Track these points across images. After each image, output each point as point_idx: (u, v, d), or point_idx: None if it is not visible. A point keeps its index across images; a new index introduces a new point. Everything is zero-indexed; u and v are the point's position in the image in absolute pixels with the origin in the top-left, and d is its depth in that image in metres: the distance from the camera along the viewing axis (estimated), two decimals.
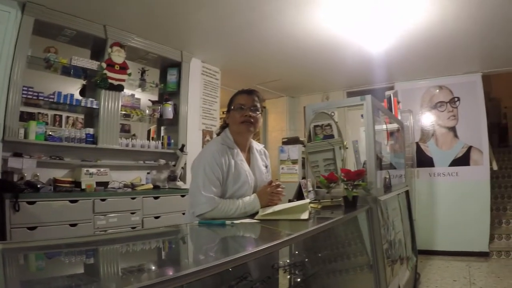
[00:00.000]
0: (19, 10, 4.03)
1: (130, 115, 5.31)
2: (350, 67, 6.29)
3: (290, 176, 5.59)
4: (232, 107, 2.34)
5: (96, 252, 1.50)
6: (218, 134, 2.48)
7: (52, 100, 4.37)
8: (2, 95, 3.92)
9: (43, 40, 4.48)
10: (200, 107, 6.13)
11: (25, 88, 4.14)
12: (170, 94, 5.74)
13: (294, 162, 5.70)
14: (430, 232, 6.43)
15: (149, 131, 6.31)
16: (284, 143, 5.95)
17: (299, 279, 2.55)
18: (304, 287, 2.61)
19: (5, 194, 3.61)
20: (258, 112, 2.33)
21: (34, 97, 4.24)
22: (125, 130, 5.66)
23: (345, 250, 2.91)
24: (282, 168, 5.76)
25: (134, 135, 6.09)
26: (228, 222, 1.86)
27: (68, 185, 4.34)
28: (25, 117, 4.44)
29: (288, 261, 2.57)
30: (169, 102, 5.62)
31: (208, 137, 6.13)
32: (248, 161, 2.40)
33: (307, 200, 2.31)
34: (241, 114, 2.28)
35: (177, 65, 5.73)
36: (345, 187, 2.62)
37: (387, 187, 3.45)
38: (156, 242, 1.83)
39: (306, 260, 2.70)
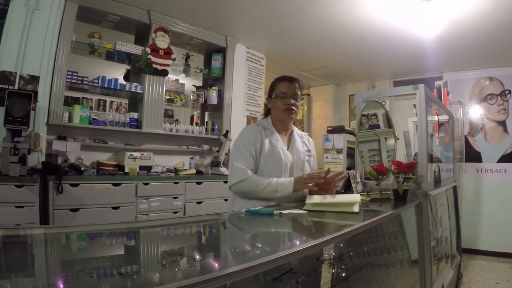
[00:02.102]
0: None
1: (174, 100, 5.18)
2: (398, 54, 5.83)
3: (335, 165, 5.26)
4: (275, 95, 2.34)
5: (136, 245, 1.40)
6: (263, 116, 2.52)
7: (96, 84, 4.29)
8: (47, 79, 3.87)
9: (87, 26, 4.40)
10: (244, 93, 5.92)
11: (70, 73, 4.07)
12: (214, 79, 5.55)
13: (339, 151, 5.38)
14: (474, 231, 5.88)
15: (192, 117, 6.15)
16: (329, 131, 5.63)
17: (343, 274, 2.38)
18: (346, 281, 2.43)
19: (49, 176, 3.55)
20: (298, 99, 2.34)
21: (79, 82, 4.17)
22: (168, 115, 5.52)
23: (385, 243, 2.68)
24: (327, 157, 5.45)
25: (177, 120, 5.94)
26: (276, 212, 1.75)
27: (111, 168, 4.26)
28: (70, 102, 4.38)
29: (333, 254, 2.40)
30: (214, 88, 5.43)
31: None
32: (288, 143, 2.38)
33: (358, 196, 2.11)
34: (284, 102, 2.29)
35: (222, 51, 5.52)
36: (396, 180, 2.41)
37: (437, 182, 3.17)
38: (200, 233, 1.68)
39: (351, 253, 2.51)
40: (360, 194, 2.30)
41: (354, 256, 2.58)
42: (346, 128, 5.57)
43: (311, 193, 2.22)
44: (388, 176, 2.55)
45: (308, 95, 8.53)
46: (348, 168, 5.13)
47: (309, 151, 2.47)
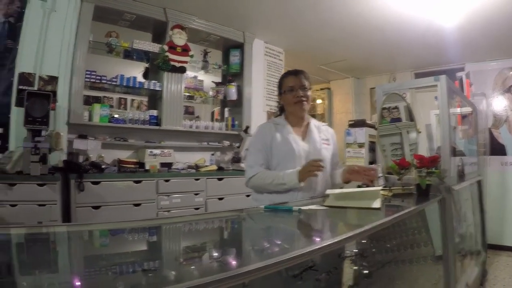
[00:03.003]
0: None
1: (194, 97, 5.16)
2: (419, 45, 5.64)
3: (357, 160, 5.15)
4: (283, 90, 2.38)
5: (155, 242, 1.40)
6: (278, 115, 2.57)
7: (115, 83, 4.30)
8: (65, 79, 3.91)
9: (104, 26, 4.42)
10: (264, 88, 5.85)
11: (88, 72, 4.09)
12: (233, 75, 5.51)
13: (361, 145, 5.25)
14: (499, 226, 5.57)
15: (213, 113, 6.12)
16: (350, 125, 5.51)
17: (366, 271, 2.29)
18: (369, 278, 2.34)
19: (70, 175, 3.59)
20: (307, 90, 2.35)
21: (97, 81, 4.19)
22: (189, 112, 5.50)
23: (408, 239, 2.58)
24: (348, 151, 5.33)
25: (198, 116, 5.92)
26: (295, 208, 1.72)
27: (132, 165, 4.27)
28: (91, 101, 4.39)
29: (355, 250, 2.32)
30: (233, 84, 5.39)
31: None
32: (304, 134, 2.39)
33: (378, 188, 2.08)
34: (293, 95, 2.32)
35: (240, 46, 5.46)
36: (418, 174, 2.34)
37: (460, 176, 3.05)
38: (218, 230, 1.68)
39: (374, 250, 2.43)
40: (382, 189, 2.24)
41: (376, 252, 2.49)
42: (367, 122, 5.44)
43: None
44: (411, 171, 2.47)
45: (328, 88, 8.40)
46: (370, 163, 5.00)
47: (327, 139, 2.45)
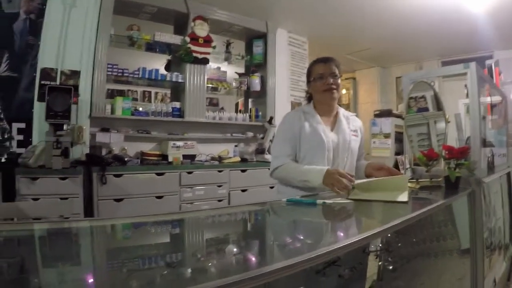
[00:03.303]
0: None
1: (217, 88, 5.13)
2: (446, 32, 5.40)
3: (382, 150, 5.01)
4: (312, 78, 2.26)
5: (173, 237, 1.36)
6: (307, 102, 2.46)
7: (137, 76, 4.31)
8: (87, 73, 3.95)
9: (125, 19, 4.44)
10: (288, 79, 5.75)
11: (110, 66, 4.12)
12: (256, 66, 5.44)
13: (387, 136, 5.11)
14: None
15: (237, 104, 6.08)
16: (376, 115, 5.37)
17: (391, 266, 2.21)
18: (394, 272, 2.26)
19: (92, 168, 3.63)
20: (337, 78, 2.23)
21: (119, 74, 4.21)
22: (213, 104, 5.49)
23: (434, 231, 2.47)
24: (374, 142, 5.20)
25: (222, 108, 5.90)
26: (319, 201, 1.62)
27: (155, 158, 4.28)
28: (116, 94, 4.42)
29: (380, 245, 2.23)
30: (256, 74, 5.32)
31: None
32: (333, 125, 2.29)
33: (407, 176, 2.02)
34: (322, 83, 2.21)
35: (263, 36, 5.37)
36: (447, 166, 2.18)
37: (490, 168, 2.88)
38: (239, 225, 1.64)
39: (399, 244, 2.33)
40: (409, 181, 2.13)
41: (402, 246, 2.40)
42: (393, 111, 5.28)
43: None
44: (439, 162, 2.35)
45: (354, 78, 8.22)
46: (397, 154, 4.86)
47: (356, 131, 2.34)
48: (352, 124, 2.34)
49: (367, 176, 2.25)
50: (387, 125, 5.09)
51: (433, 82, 3.03)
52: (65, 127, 3.39)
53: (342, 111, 2.37)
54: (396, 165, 2.52)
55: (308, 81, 2.32)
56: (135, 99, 4.44)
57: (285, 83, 5.71)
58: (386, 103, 7.60)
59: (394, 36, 5.74)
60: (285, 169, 2.13)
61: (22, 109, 3.69)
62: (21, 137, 3.70)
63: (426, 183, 2.26)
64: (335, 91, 2.20)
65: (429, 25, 5.13)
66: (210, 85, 4.96)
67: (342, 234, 1.26)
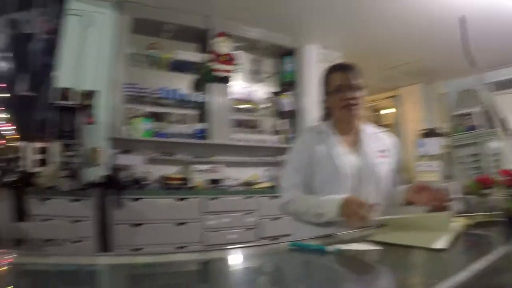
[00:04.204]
0: (114, 10, 4.05)
1: (245, 109, 4.96)
2: (500, 40, 4.96)
3: (429, 174, 4.57)
4: (329, 91, 1.89)
5: None
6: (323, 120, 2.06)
7: (157, 95, 4.23)
8: (104, 93, 3.90)
9: (146, 39, 4.39)
10: None
11: (128, 86, 4.07)
12: (287, 84, 5.23)
13: (433, 158, 4.68)
14: None
15: (266, 125, 5.83)
16: (421, 135, 4.98)
17: None
18: None
19: (109, 191, 3.52)
20: (358, 90, 1.84)
21: (138, 94, 4.15)
22: (240, 125, 5.26)
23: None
24: (419, 165, 4.77)
25: (250, 129, 5.66)
26: (329, 248, 1.20)
27: (177, 182, 4.13)
28: (133, 115, 4.32)
29: None
30: (287, 93, 5.11)
31: None
32: (355, 146, 1.90)
33: (449, 213, 1.56)
34: (340, 97, 1.82)
35: (292, 53, 5.19)
36: (507, 196, 1.68)
37: None
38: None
39: None
40: (460, 216, 1.68)
41: None
42: (439, 131, 4.88)
43: None
44: (496, 190, 1.90)
45: (397, 96, 7.82)
46: (447, 178, 4.41)
47: (385, 150, 1.94)
48: (381, 143, 1.95)
49: (407, 202, 1.86)
50: (434, 145, 4.67)
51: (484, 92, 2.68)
52: (73, 148, 3.28)
53: (367, 128, 1.98)
54: None
55: (325, 93, 1.94)
56: (155, 120, 4.29)
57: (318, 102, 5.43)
58: (432, 121, 7.13)
59: (437, 48, 5.34)
60: (295, 203, 1.80)
61: (39, 128, 3.66)
62: (39, 157, 3.70)
63: (482, 218, 1.71)
64: (355, 106, 1.83)
65: (479, 33, 4.62)
66: (238, 106, 4.81)
67: None
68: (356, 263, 1.20)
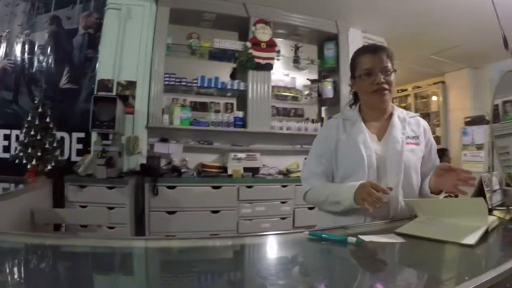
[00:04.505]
0: (153, 2, 4.11)
1: (285, 96, 4.89)
2: None
3: (474, 165, 4.34)
4: (358, 74, 1.76)
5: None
6: (350, 106, 1.98)
7: (195, 84, 4.28)
8: (144, 83, 4.03)
9: (185, 28, 4.44)
10: None
11: (167, 75, 4.15)
12: (328, 70, 5.08)
13: (479, 147, 4.43)
14: None
15: (307, 113, 5.74)
16: (467, 123, 4.70)
17: None
18: None
19: (145, 178, 3.66)
20: (391, 74, 1.72)
21: (177, 83, 4.22)
22: (280, 113, 5.22)
23: None
24: (465, 154, 4.52)
25: (291, 117, 5.60)
26: (350, 239, 1.17)
27: (214, 170, 4.16)
28: (172, 103, 4.41)
29: None
30: (328, 80, 4.98)
31: None
32: (383, 132, 1.77)
33: (480, 201, 1.36)
34: (371, 81, 1.70)
35: (334, 38, 5.01)
36: None
37: None
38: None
39: None
40: (495, 208, 1.62)
41: None
42: (487, 118, 4.60)
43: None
44: None
45: (443, 82, 7.32)
46: (488, 170, 4.16)
47: (416, 137, 1.78)
48: (410, 129, 1.79)
49: (433, 190, 1.67)
50: (480, 134, 4.41)
51: None
52: (111, 136, 3.41)
53: (398, 112, 1.83)
54: (480, 185, 1.79)
55: (353, 77, 1.82)
56: (194, 109, 4.36)
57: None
58: (480, 109, 6.67)
59: (486, 29, 4.92)
60: (315, 191, 1.75)
61: (81, 119, 3.83)
62: (80, 146, 3.91)
63: None
64: (387, 92, 1.72)
65: None
66: (277, 93, 4.75)
67: None
68: (374, 256, 1.16)
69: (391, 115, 1.80)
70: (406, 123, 1.79)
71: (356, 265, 1.11)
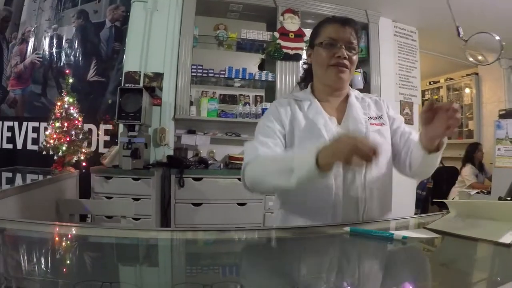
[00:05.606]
0: None
1: None
2: None
3: (509, 159, 4.07)
4: (318, 42, 1.48)
5: None
6: (299, 84, 1.70)
7: (223, 76, 4.19)
8: (171, 75, 3.97)
9: (213, 19, 4.37)
10: (395, 74, 5.00)
11: (194, 67, 4.07)
12: (358, 61, 4.88)
13: None
14: None
15: None
16: (501, 116, 4.41)
17: None
18: None
19: (172, 170, 3.61)
20: (354, 52, 1.46)
21: (204, 75, 4.14)
22: None
23: None
24: (498, 149, 4.24)
25: None
26: (397, 234, 1.02)
27: (242, 162, 4.03)
28: (200, 96, 4.35)
29: None
30: (358, 70, 4.76)
31: (407, 110, 5.03)
32: (341, 115, 1.49)
33: None
34: (331, 54, 1.43)
35: (364, 28, 4.79)
36: None
37: None
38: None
39: None
40: None
41: None
42: None
43: None
44: None
45: (476, 74, 6.90)
46: None
47: (379, 117, 1.52)
48: (371, 109, 1.54)
49: (430, 149, 1.29)
50: None
51: None
52: (137, 127, 3.36)
53: (355, 93, 1.59)
54: None
55: (311, 46, 1.54)
56: (221, 101, 4.29)
57: (392, 79, 4.99)
58: None
59: None
60: (259, 161, 1.34)
61: (109, 111, 3.82)
62: (107, 138, 3.91)
63: None
64: (346, 70, 1.46)
65: None
66: None
67: None
68: (416, 253, 1.06)
69: (347, 97, 1.55)
70: (365, 104, 1.55)
71: (414, 267, 0.96)
